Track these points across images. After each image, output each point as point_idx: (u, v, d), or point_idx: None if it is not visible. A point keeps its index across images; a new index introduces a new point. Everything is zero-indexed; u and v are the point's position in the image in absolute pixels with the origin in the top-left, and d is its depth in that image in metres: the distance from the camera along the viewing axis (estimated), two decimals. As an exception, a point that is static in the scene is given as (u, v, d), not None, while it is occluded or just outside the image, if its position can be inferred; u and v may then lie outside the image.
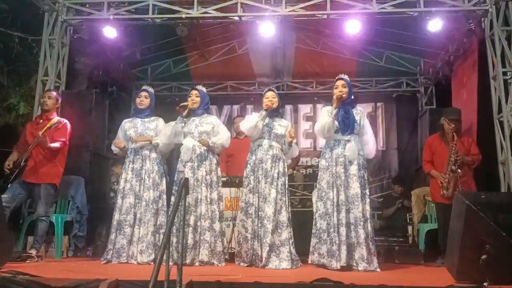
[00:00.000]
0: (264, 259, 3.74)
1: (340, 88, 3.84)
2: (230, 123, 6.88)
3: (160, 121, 4.39)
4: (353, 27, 5.67)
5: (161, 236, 4.02)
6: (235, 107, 8.47)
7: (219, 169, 4.21)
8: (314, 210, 3.91)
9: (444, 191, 4.37)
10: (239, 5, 5.63)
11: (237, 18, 5.82)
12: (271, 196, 3.86)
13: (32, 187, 4.30)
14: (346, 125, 3.78)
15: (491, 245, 2.73)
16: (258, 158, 3.99)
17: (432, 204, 4.93)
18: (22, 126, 6.02)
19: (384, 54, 7.65)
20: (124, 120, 4.51)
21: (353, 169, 3.72)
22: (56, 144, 4.32)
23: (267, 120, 4.05)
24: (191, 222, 3.89)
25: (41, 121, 4.45)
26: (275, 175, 3.93)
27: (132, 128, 4.34)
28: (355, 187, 3.68)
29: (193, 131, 4.12)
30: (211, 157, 4.13)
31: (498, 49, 5.22)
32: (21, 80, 6.63)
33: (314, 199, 4.20)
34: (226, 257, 4.12)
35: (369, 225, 3.66)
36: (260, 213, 3.87)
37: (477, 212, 2.77)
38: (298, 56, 7.92)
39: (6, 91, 6.53)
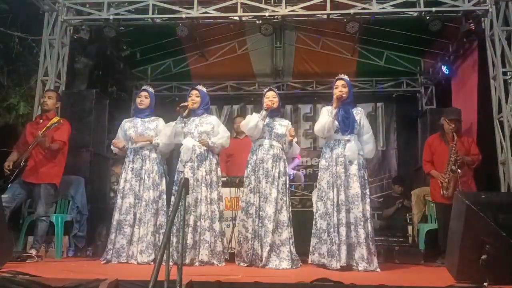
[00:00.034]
0: (264, 258, 3.74)
1: (340, 88, 3.84)
2: (230, 123, 6.88)
3: (160, 121, 4.39)
4: (353, 27, 5.67)
5: (161, 236, 4.02)
6: (235, 107, 8.47)
7: (219, 169, 4.21)
8: (314, 210, 3.91)
9: (444, 191, 4.37)
10: (239, 5, 5.63)
11: (237, 18, 5.82)
12: (272, 195, 3.86)
13: (32, 187, 4.30)
14: (346, 125, 3.78)
15: (491, 245, 2.72)
16: (259, 158, 3.99)
17: (432, 204, 4.93)
18: (22, 126, 6.02)
19: (384, 54, 7.65)
20: (124, 120, 4.51)
21: (353, 169, 3.72)
22: (56, 144, 4.32)
23: (267, 120, 4.05)
24: (191, 222, 3.88)
25: (41, 121, 4.45)
26: (276, 174, 3.93)
27: (132, 128, 4.34)
28: (355, 187, 3.68)
29: (193, 131, 4.12)
30: (211, 157, 4.13)
31: (498, 49, 5.23)
32: (21, 80, 6.64)
33: (314, 199, 4.20)
34: (226, 257, 4.11)
35: (369, 225, 3.66)
36: (261, 212, 3.87)
37: (477, 212, 2.77)
38: (298, 56, 7.92)
39: (6, 91, 6.53)
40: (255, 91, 8.14)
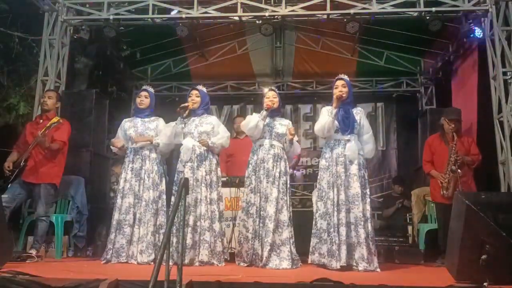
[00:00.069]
0: (264, 258, 3.74)
1: (340, 88, 3.84)
2: (230, 123, 6.88)
3: (160, 121, 4.39)
4: (353, 27, 5.67)
5: (161, 236, 4.02)
6: (235, 107, 8.47)
7: (219, 169, 4.21)
8: (314, 210, 3.91)
9: (444, 191, 4.37)
10: (239, 5, 5.63)
11: (237, 18, 5.82)
12: (273, 195, 3.86)
13: (32, 187, 4.30)
14: (346, 125, 3.79)
15: (491, 245, 2.72)
16: (260, 158, 4.00)
17: (432, 204, 4.93)
18: (22, 126, 6.01)
19: (384, 54, 7.65)
20: (124, 120, 4.51)
21: (354, 168, 3.72)
22: (56, 144, 4.32)
23: (268, 120, 4.05)
24: (190, 222, 3.88)
25: (41, 121, 4.45)
26: (277, 174, 3.93)
27: (132, 127, 4.34)
28: (355, 187, 3.68)
29: (193, 131, 4.12)
30: (211, 157, 4.13)
31: (498, 49, 5.23)
32: (21, 80, 6.64)
33: (314, 199, 4.19)
34: (226, 257, 4.11)
35: (369, 225, 3.66)
36: (261, 212, 3.87)
37: (477, 212, 2.77)
38: (298, 56, 7.92)
39: (6, 91, 6.53)
40: (255, 91, 8.15)
